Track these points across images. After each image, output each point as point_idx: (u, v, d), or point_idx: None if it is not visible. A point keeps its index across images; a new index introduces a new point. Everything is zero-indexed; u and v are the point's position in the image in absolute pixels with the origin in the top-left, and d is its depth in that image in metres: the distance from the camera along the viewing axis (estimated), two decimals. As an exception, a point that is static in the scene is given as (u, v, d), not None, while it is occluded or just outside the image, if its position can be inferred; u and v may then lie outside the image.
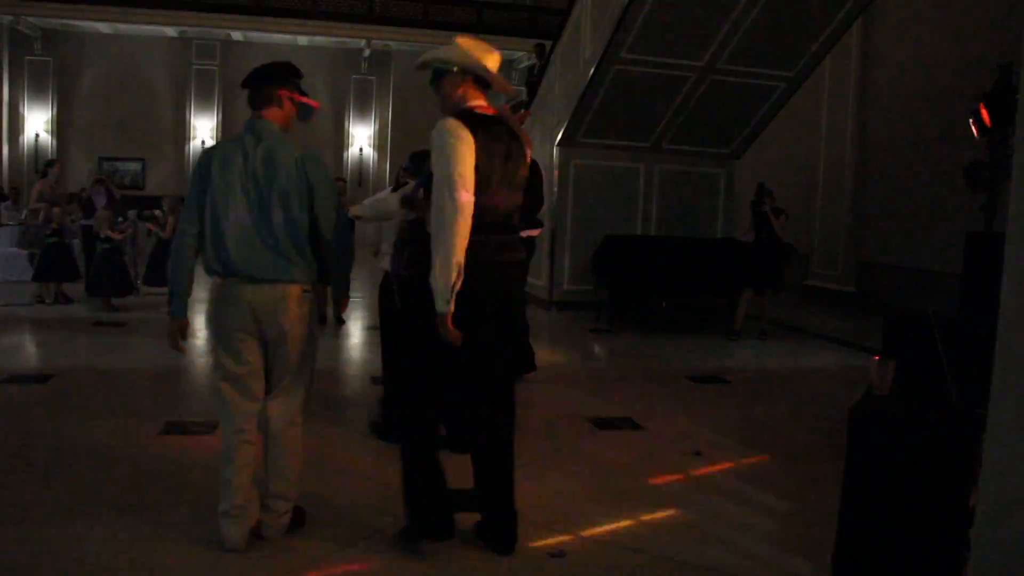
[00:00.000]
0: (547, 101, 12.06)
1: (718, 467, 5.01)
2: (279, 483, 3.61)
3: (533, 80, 13.67)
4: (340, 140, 24.38)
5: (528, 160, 3.67)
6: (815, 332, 10.51)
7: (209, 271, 3.56)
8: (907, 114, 12.21)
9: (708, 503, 4.38)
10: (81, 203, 12.11)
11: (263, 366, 3.59)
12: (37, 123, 23.31)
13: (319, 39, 23.97)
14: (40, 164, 17.01)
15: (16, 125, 23.13)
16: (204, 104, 24.15)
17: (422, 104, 24.17)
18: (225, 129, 24.36)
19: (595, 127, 11.03)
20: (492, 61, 3.58)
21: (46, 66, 23.35)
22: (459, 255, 3.29)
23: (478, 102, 3.54)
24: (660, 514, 4.21)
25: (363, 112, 24.82)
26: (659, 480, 4.74)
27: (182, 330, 3.60)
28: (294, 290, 3.51)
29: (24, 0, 21.12)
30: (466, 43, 3.56)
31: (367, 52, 24.31)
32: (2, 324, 8.99)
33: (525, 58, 22.44)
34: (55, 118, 23.53)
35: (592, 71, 10.19)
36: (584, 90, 10.43)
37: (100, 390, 6.28)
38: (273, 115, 3.58)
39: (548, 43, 13.89)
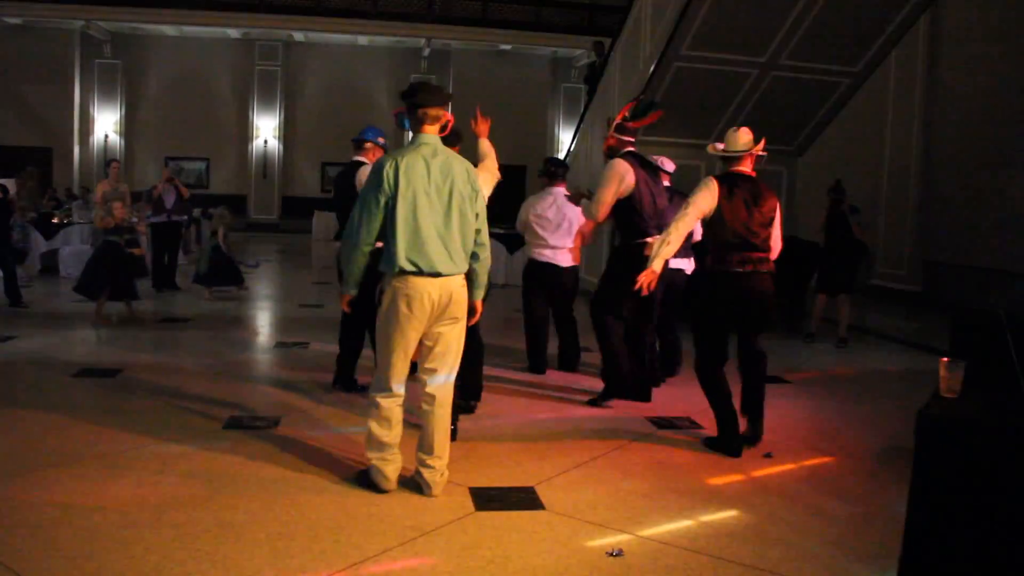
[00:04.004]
0: (607, 99, 12.00)
1: (780, 468, 4.94)
2: (442, 446, 4.22)
3: (591, 78, 13.60)
4: (400, 138, 24.50)
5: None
6: (880, 332, 10.30)
7: (386, 267, 4.10)
8: (977, 111, 11.89)
9: (769, 505, 4.31)
10: (151, 201, 12.38)
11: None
12: (106, 124, 23.96)
13: (379, 39, 24.20)
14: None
15: (87, 126, 23.80)
16: (267, 104, 24.57)
17: (482, 103, 24.40)
18: (287, 129, 24.75)
19: (655, 124, 10.92)
20: None
21: (115, 69, 24.00)
22: None
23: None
24: (720, 515, 4.16)
25: (423, 111, 24.96)
26: (719, 480, 4.69)
27: (349, 302, 4.42)
28: (461, 280, 4.19)
29: (94, 5, 21.71)
30: None
31: (427, 51, 24.46)
32: (73, 319, 9.23)
33: (584, 56, 22.36)
34: (123, 119, 24.17)
35: (652, 69, 10.12)
36: (644, 88, 10.35)
37: (165, 384, 6.41)
38: (437, 131, 4.25)
39: (606, 40, 13.83)
